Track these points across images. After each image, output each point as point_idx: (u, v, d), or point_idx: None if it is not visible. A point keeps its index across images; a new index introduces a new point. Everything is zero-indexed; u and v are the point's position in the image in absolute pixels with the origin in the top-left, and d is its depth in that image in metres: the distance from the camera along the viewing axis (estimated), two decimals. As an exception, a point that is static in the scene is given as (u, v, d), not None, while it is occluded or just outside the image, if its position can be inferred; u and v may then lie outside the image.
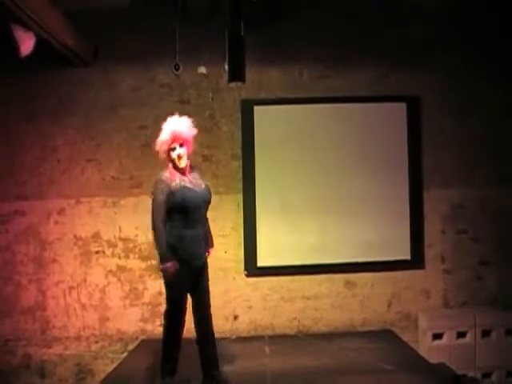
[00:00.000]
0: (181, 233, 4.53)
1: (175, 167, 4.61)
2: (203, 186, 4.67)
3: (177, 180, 4.55)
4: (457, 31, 6.51)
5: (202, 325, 4.72)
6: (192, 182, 4.62)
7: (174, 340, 4.69)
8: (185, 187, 4.54)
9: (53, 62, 6.14)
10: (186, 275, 4.56)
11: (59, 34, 5.36)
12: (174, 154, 4.57)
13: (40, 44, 5.19)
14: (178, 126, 4.60)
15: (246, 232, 6.41)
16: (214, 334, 4.80)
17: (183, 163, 4.60)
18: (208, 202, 4.68)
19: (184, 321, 4.69)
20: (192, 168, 4.75)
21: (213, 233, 6.32)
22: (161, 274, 4.63)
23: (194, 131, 4.70)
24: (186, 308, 4.67)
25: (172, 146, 4.56)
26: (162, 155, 4.63)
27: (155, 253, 4.67)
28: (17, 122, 6.40)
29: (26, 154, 6.42)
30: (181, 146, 4.58)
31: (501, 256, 6.61)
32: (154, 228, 4.50)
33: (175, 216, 4.54)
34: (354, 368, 5.21)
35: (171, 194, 4.49)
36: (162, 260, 4.47)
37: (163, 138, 4.57)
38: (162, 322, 4.78)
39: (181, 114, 6.32)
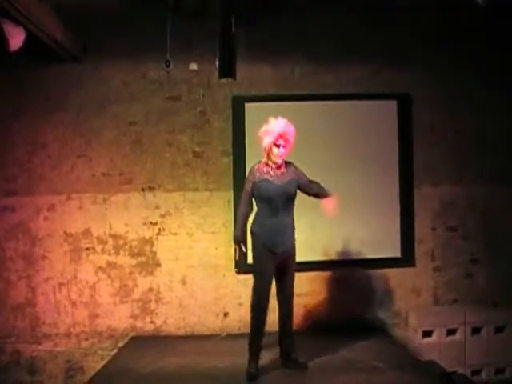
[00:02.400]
0: (262, 221, 4.97)
1: (268, 160, 4.97)
2: (287, 180, 4.96)
3: (263, 172, 4.96)
4: (446, 29, 6.51)
5: (285, 304, 5.09)
6: (276, 175, 4.96)
7: (258, 327, 4.97)
8: (266, 180, 4.93)
9: (42, 58, 6.10)
10: (269, 261, 4.92)
11: (49, 28, 5.33)
12: (275, 151, 4.90)
13: (29, 39, 5.16)
14: (288, 126, 4.93)
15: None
16: (293, 315, 5.17)
17: (278, 161, 4.94)
18: (289, 194, 4.95)
19: (268, 307, 4.95)
20: (286, 163, 5.05)
21: (203, 229, 6.41)
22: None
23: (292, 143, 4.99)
24: (268, 290, 4.95)
25: (278, 142, 4.88)
26: (264, 144, 4.93)
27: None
28: (6, 118, 6.35)
29: (16, 150, 6.39)
30: (284, 146, 4.91)
31: (491, 253, 6.64)
32: (237, 212, 5.14)
33: (259, 205, 5.01)
34: (345, 365, 5.21)
35: (254, 184, 4.96)
36: (233, 240, 5.04)
37: (275, 129, 4.88)
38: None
39: (171, 111, 6.40)
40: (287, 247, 5.00)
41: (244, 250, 5.04)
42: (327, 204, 5.12)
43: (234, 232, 5.07)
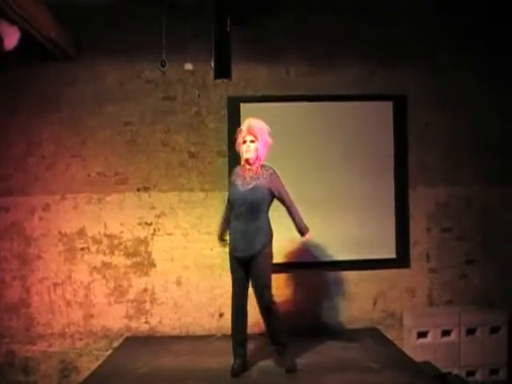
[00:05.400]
0: (230, 225, 5.10)
1: (244, 163, 5.03)
2: (252, 186, 4.95)
3: (238, 176, 5.06)
4: (442, 30, 6.53)
5: (261, 299, 5.02)
6: (245, 180, 4.98)
7: (236, 326, 5.05)
8: (234, 184, 5.04)
9: (37, 57, 6.07)
10: (236, 265, 5.04)
11: (44, 28, 5.31)
12: (243, 147, 4.98)
13: (24, 38, 5.15)
14: (256, 123, 4.99)
15: (232, 229, 6.38)
16: (272, 304, 5.08)
17: (249, 155, 4.96)
18: (250, 202, 4.93)
19: (245, 303, 5.05)
20: (265, 169, 5.04)
21: (198, 230, 6.40)
22: None
23: (270, 140, 5.01)
24: (245, 294, 5.05)
25: (245, 138, 4.96)
26: (238, 148, 5.07)
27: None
28: (1, 117, 6.33)
29: (11, 150, 6.36)
30: (252, 141, 4.95)
31: (486, 254, 6.64)
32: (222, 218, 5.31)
33: (230, 209, 5.10)
34: (340, 366, 5.21)
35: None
36: None
37: (240, 129, 5.03)
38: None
39: (167, 111, 6.39)
40: (250, 252, 4.94)
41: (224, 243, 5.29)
42: (304, 238, 5.20)
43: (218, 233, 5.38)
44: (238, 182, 4.99)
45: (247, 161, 4.99)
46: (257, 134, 4.93)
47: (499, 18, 6.42)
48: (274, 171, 5.07)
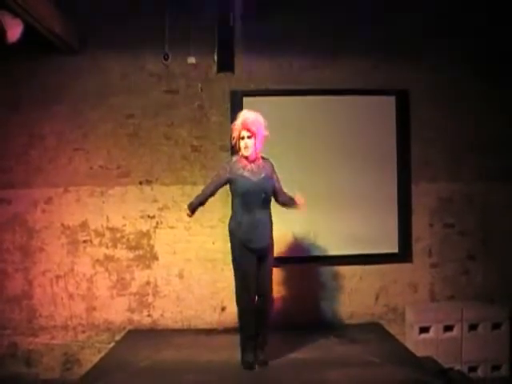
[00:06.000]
0: (239, 218, 4.96)
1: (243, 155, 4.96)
2: (263, 175, 4.93)
3: (240, 167, 4.93)
4: (445, 26, 6.49)
5: (263, 299, 5.04)
6: (252, 171, 4.92)
7: (248, 320, 4.97)
8: (242, 175, 4.90)
9: (40, 49, 6.07)
10: (249, 258, 4.93)
11: (47, 20, 5.32)
12: (241, 143, 4.90)
13: (27, 31, 5.14)
14: (251, 116, 4.89)
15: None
16: (270, 311, 5.13)
17: (246, 153, 4.90)
18: (265, 191, 4.94)
19: (254, 298, 4.98)
20: (263, 159, 5.03)
21: (201, 223, 6.39)
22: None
23: (266, 131, 4.93)
24: (254, 287, 4.97)
25: (241, 134, 4.88)
26: (234, 142, 4.99)
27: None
28: (3, 110, 6.34)
29: (13, 142, 6.38)
30: (249, 137, 4.87)
31: (488, 250, 6.64)
32: (203, 189, 5.14)
33: (235, 201, 5.00)
34: (342, 361, 5.21)
35: (231, 180, 4.95)
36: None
37: (238, 122, 4.92)
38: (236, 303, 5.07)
39: (169, 104, 6.38)
40: (264, 242, 4.99)
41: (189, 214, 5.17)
42: (299, 203, 5.13)
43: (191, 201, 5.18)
44: (247, 174, 4.91)
45: (246, 158, 4.95)
46: (253, 130, 4.86)
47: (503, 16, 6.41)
48: (271, 162, 5.10)
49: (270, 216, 5.07)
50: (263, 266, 5.02)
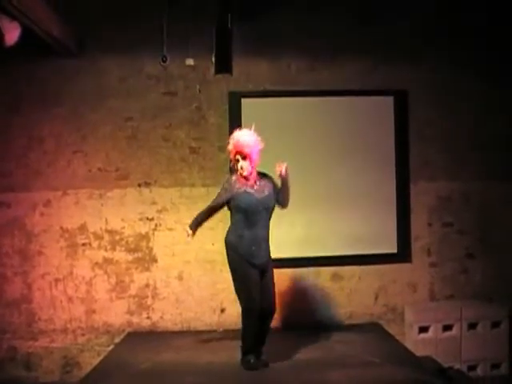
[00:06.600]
0: (240, 232, 4.96)
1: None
2: (266, 192, 4.98)
3: (241, 185, 4.95)
4: (444, 26, 6.52)
5: (270, 304, 5.04)
6: (255, 188, 4.97)
7: (254, 333, 4.98)
8: (246, 192, 4.93)
9: (39, 52, 6.06)
10: (251, 270, 4.94)
11: (45, 23, 5.30)
12: (238, 165, 4.94)
13: (25, 34, 5.14)
14: (242, 138, 4.93)
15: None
16: (273, 313, 5.13)
17: (244, 173, 4.94)
18: (268, 208, 5.00)
19: (259, 307, 4.94)
20: (262, 175, 5.07)
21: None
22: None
23: (260, 145, 4.95)
24: (259, 299, 4.96)
25: (236, 157, 4.92)
26: (231, 164, 5.08)
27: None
28: (2, 112, 6.34)
29: (12, 145, 6.37)
30: (244, 158, 4.91)
31: (487, 249, 6.65)
32: (202, 211, 5.15)
33: (237, 217, 4.99)
34: (341, 361, 5.21)
35: (232, 197, 4.95)
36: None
37: (229, 148, 4.97)
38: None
39: (168, 106, 6.38)
40: (265, 259, 5.02)
41: (190, 235, 5.13)
42: (281, 172, 5.01)
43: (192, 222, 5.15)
44: (250, 190, 4.94)
45: (245, 177, 4.97)
46: (247, 152, 4.89)
47: (499, 17, 6.44)
48: (267, 174, 5.12)
49: (269, 232, 5.08)
50: (265, 281, 5.04)
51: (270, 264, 5.10)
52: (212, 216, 5.16)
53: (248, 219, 4.93)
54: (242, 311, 5.03)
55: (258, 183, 4.99)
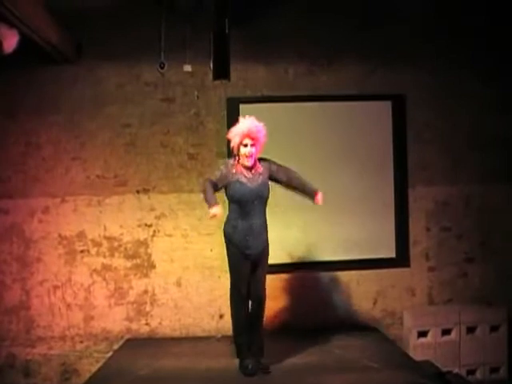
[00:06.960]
0: (234, 222, 4.95)
1: (239, 162, 4.92)
2: (260, 181, 4.92)
3: (237, 171, 4.90)
4: (442, 30, 6.54)
5: (256, 305, 5.08)
6: (249, 177, 4.90)
7: (240, 323, 5.03)
8: (239, 181, 4.87)
9: (37, 59, 6.06)
10: (243, 262, 4.96)
11: (43, 30, 5.31)
12: (242, 151, 4.85)
13: (23, 41, 5.14)
14: (254, 123, 4.84)
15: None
16: (263, 317, 5.15)
17: (247, 163, 4.88)
18: (262, 197, 4.95)
19: (247, 304, 5.05)
20: (263, 162, 5.01)
21: (198, 231, 6.39)
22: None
23: (265, 139, 4.91)
24: (246, 292, 5.01)
25: (244, 141, 4.82)
26: (233, 146, 4.91)
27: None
28: (0, 119, 6.33)
29: (10, 152, 6.36)
30: (252, 145, 4.83)
31: (485, 253, 6.66)
32: (203, 187, 4.90)
33: (232, 207, 4.99)
34: (340, 365, 5.21)
35: (228, 183, 4.91)
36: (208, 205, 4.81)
37: (240, 128, 4.84)
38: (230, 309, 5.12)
39: (166, 113, 6.39)
40: (259, 249, 5.00)
41: (218, 209, 4.75)
42: (318, 203, 5.12)
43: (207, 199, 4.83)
44: (243, 180, 4.88)
45: (244, 165, 4.92)
46: (258, 137, 4.84)
47: (499, 18, 6.46)
48: (271, 160, 5.08)
49: (266, 221, 5.07)
50: (257, 270, 5.04)
51: (264, 254, 5.07)
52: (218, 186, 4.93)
53: (242, 209, 4.91)
54: (230, 311, 5.12)
55: (253, 171, 4.93)
